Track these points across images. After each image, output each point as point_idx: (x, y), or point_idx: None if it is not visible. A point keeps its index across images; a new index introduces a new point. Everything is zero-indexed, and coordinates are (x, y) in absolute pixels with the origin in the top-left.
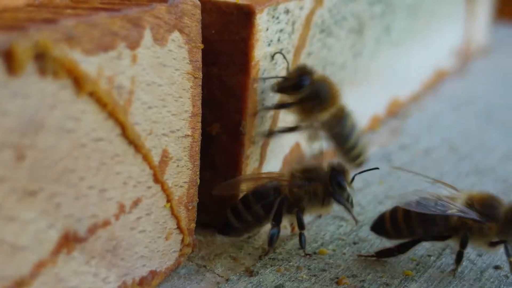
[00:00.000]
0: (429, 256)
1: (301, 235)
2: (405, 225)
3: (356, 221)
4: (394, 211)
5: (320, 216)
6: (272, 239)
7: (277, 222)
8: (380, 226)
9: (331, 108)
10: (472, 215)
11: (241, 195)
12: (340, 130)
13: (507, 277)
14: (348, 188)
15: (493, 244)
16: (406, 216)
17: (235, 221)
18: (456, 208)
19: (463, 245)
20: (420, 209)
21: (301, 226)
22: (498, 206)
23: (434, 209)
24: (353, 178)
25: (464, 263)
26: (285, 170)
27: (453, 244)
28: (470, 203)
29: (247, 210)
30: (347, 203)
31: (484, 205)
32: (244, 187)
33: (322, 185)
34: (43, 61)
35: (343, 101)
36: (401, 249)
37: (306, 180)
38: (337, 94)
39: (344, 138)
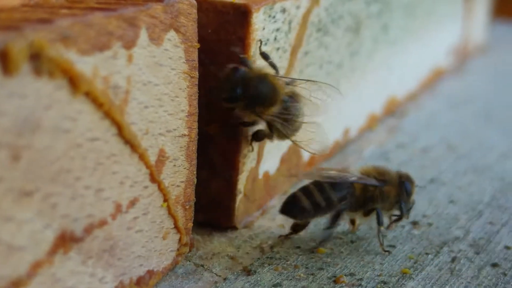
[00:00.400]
0: (427, 254)
1: (379, 231)
2: None
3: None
4: None
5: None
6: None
7: (336, 220)
8: None
9: (276, 103)
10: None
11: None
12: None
13: (504, 274)
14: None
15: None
16: None
17: (306, 202)
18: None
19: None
20: None
21: (381, 222)
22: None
23: None
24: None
25: (462, 260)
26: (355, 168)
27: (450, 242)
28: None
29: (321, 194)
30: (406, 213)
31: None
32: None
33: (395, 189)
34: (39, 61)
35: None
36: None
37: (382, 181)
38: (278, 87)
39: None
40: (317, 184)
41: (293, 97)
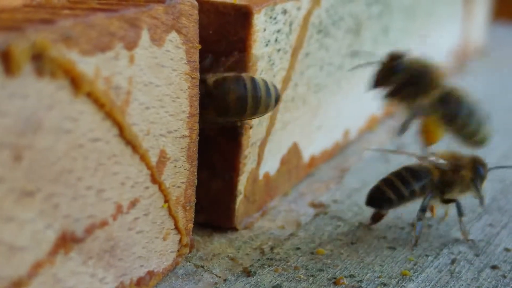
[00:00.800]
0: (427, 256)
1: (461, 221)
2: None
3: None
4: None
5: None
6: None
7: (424, 211)
8: None
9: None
10: None
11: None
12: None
13: (504, 276)
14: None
15: None
16: None
17: (391, 194)
18: None
19: None
20: None
21: (462, 213)
22: None
23: None
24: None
25: (462, 262)
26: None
27: (450, 244)
28: None
29: (405, 186)
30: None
31: None
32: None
33: (471, 173)
34: (41, 61)
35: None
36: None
37: (458, 166)
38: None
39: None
40: (397, 174)
41: (222, 80)
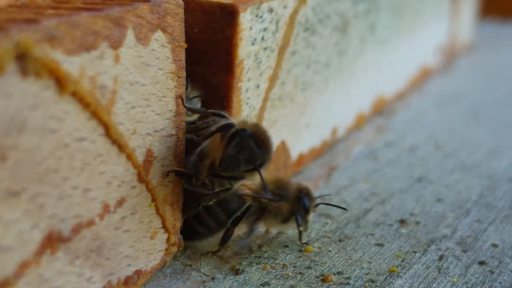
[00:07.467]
0: (414, 252)
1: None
2: None
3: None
4: None
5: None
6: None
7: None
8: None
9: None
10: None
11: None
12: None
13: (492, 272)
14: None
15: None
16: None
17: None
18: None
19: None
20: None
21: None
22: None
23: None
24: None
25: (449, 258)
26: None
27: (438, 240)
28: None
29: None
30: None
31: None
32: None
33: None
34: (25, 61)
35: None
36: None
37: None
38: None
39: None
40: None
41: None
